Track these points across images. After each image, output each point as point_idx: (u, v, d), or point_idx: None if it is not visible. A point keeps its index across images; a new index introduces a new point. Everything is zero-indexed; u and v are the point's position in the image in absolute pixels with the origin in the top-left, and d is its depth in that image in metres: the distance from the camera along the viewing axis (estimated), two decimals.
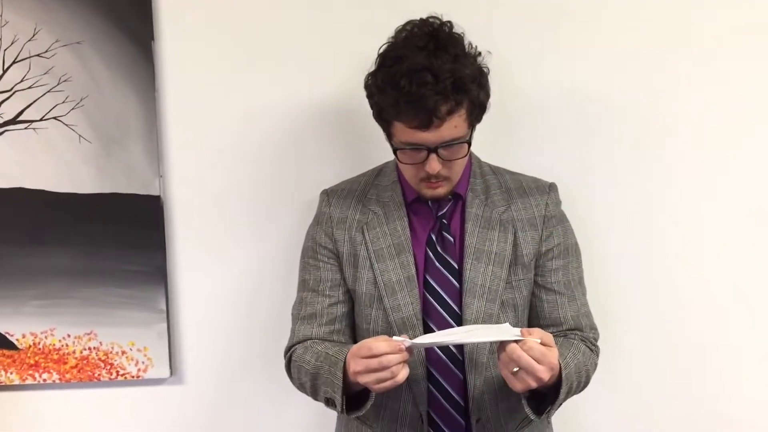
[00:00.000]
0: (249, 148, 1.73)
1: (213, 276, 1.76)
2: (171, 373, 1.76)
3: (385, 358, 1.21)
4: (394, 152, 1.35)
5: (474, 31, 1.36)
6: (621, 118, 1.69)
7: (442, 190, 1.37)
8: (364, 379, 1.23)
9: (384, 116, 1.33)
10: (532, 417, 1.29)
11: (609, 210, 1.71)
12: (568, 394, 1.30)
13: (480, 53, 1.34)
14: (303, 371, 1.39)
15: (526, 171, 1.52)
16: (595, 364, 1.42)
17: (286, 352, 1.47)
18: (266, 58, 1.70)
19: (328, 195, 1.51)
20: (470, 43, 1.33)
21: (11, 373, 1.74)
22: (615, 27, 1.68)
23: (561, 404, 1.30)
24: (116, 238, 1.72)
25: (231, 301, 1.77)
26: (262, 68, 1.70)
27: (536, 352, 1.20)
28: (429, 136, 1.28)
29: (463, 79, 1.26)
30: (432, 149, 1.30)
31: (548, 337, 1.24)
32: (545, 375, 1.20)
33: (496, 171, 1.49)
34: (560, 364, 1.25)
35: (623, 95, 1.69)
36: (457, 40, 1.31)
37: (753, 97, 1.69)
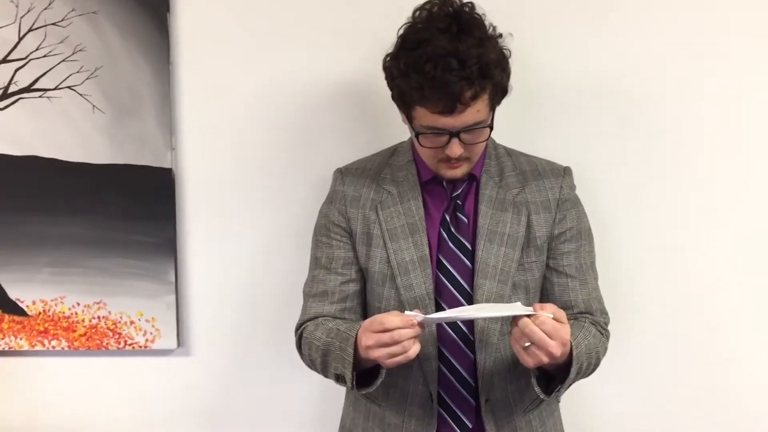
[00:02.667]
0: (263, 123, 1.73)
1: (223, 250, 1.77)
2: (178, 345, 1.77)
3: (396, 332, 1.22)
4: (415, 136, 1.35)
5: (493, 13, 1.35)
6: (639, 104, 1.69)
7: (461, 170, 1.37)
8: (375, 354, 1.24)
9: (406, 100, 1.32)
10: (542, 396, 1.31)
11: (623, 196, 1.71)
12: (578, 375, 1.32)
13: (501, 35, 1.33)
14: (314, 347, 1.40)
15: (541, 154, 1.52)
16: (605, 348, 1.43)
17: (296, 329, 1.49)
18: (282, 34, 1.69)
19: (342, 173, 1.51)
20: (491, 25, 1.33)
21: (21, 339, 1.75)
22: (637, 10, 1.66)
23: (570, 385, 1.31)
24: (128, 209, 1.73)
25: (240, 276, 1.77)
26: (278, 44, 1.70)
27: (548, 327, 1.21)
28: (452, 121, 1.29)
29: (488, 64, 1.26)
30: (454, 133, 1.30)
31: (561, 313, 1.24)
32: (557, 350, 1.21)
33: (512, 153, 1.49)
34: (571, 344, 1.26)
35: (642, 81, 1.68)
36: (479, 22, 1.31)
37: None
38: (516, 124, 1.64)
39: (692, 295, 1.75)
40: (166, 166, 1.72)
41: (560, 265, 1.44)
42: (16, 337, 1.75)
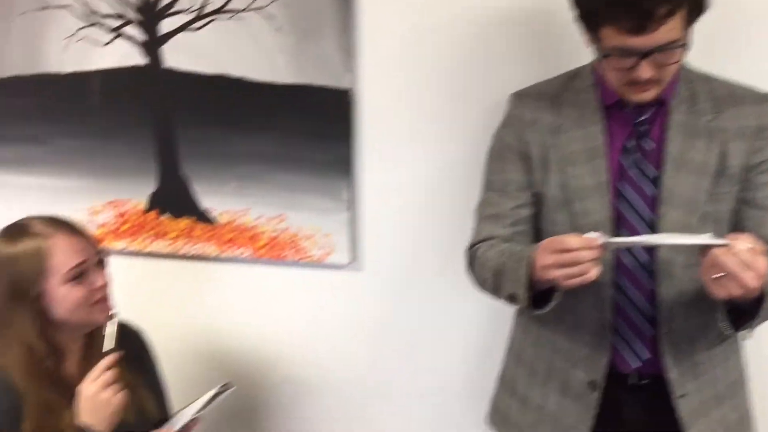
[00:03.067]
0: (438, 48, 1.72)
1: (396, 171, 1.80)
2: (351, 260, 1.85)
3: (577, 253, 1.20)
4: (600, 58, 1.29)
5: None
6: None
7: (650, 94, 1.30)
8: (553, 274, 1.23)
9: (592, 19, 1.26)
10: (727, 330, 1.25)
11: None
12: None
13: None
14: (486, 267, 1.41)
15: (742, 81, 1.40)
16: None
17: (468, 250, 1.50)
18: None
19: (519, 97, 1.49)
20: None
21: (211, 245, 1.90)
22: None
23: (762, 321, 1.24)
24: (307, 128, 1.80)
25: (412, 197, 1.81)
26: None
27: (745, 257, 1.15)
28: (642, 41, 1.21)
29: None
30: (644, 54, 1.23)
31: (759, 244, 1.17)
32: (753, 282, 1.15)
33: (706, 78, 1.39)
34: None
35: None
36: None
37: None
38: (714, 47, 1.53)
39: None
40: (345, 86, 1.77)
41: (756, 197, 1.34)
42: (206, 243, 1.90)
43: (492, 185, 1.49)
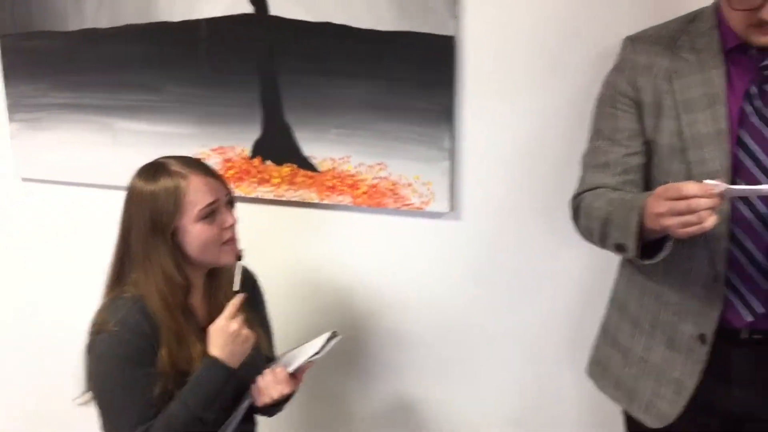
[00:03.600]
0: None
1: (499, 120, 1.78)
2: (451, 209, 1.85)
3: (694, 201, 1.16)
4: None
5: None
6: None
7: None
8: (667, 222, 1.19)
9: None
10: None
11: None
12: None
13: None
14: (593, 217, 1.38)
15: None
16: None
17: (573, 199, 1.48)
18: None
19: (632, 41, 1.44)
20: None
21: (312, 192, 1.94)
22: None
23: None
24: (410, 75, 1.79)
25: (515, 146, 1.79)
26: None
27: None
28: None
29: None
30: None
31: None
32: None
33: None
34: None
35: None
36: None
37: None
38: None
39: None
40: (448, 33, 1.75)
41: None
42: (308, 190, 1.94)
43: (601, 133, 1.46)
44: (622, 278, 1.53)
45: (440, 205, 1.85)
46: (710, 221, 1.17)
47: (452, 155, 1.82)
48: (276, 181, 1.96)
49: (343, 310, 2.02)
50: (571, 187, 1.51)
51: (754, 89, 1.30)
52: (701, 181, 1.20)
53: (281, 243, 2.02)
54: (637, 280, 1.47)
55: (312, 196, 1.94)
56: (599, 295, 1.62)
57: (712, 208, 1.16)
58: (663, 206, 1.19)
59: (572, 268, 1.81)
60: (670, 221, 1.19)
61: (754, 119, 1.29)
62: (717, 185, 1.16)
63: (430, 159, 1.83)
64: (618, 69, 1.45)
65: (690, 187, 1.17)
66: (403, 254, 1.95)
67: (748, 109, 1.30)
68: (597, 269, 1.75)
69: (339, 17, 1.81)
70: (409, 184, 1.86)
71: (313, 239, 2.00)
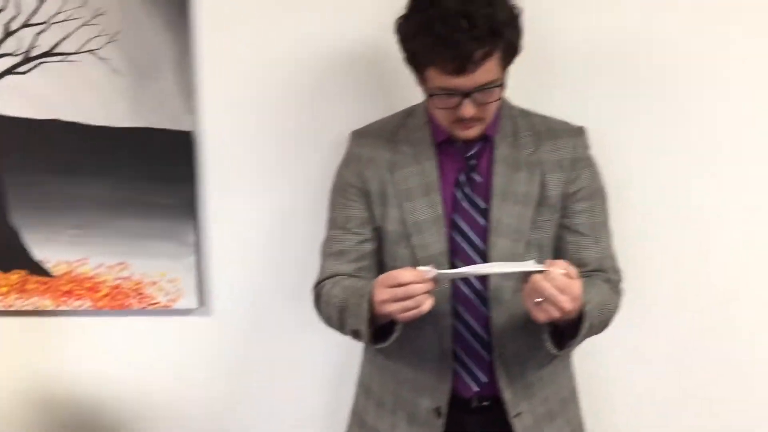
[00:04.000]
0: (280, 86, 1.75)
1: (242, 211, 1.80)
2: (200, 304, 1.81)
3: (410, 287, 1.24)
4: (427, 97, 1.36)
5: None
6: (654, 64, 1.69)
7: (474, 131, 1.38)
8: (389, 308, 1.26)
9: (417, 61, 1.33)
10: (552, 351, 1.33)
11: (639, 156, 1.72)
12: (590, 331, 1.33)
13: None
14: (331, 305, 1.43)
15: (556, 115, 1.52)
16: (617, 306, 1.45)
17: (314, 288, 1.52)
18: None
19: (358, 135, 1.53)
20: None
21: (45, 299, 1.80)
22: None
23: (582, 340, 1.33)
24: (148, 172, 1.76)
25: (259, 237, 1.81)
26: (296, 6, 1.71)
27: (560, 282, 1.22)
28: (463, 82, 1.29)
29: (499, 23, 1.26)
30: (466, 94, 1.31)
31: (572, 269, 1.26)
32: (568, 305, 1.23)
33: (526, 114, 1.50)
34: (583, 300, 1.28)
35: (658, 39, 1.68)
36: None
37: None
38: (530, 85, 1.64)
39: (709, 256, 1.76)
40: (186, 128, 1.75)
41: (574, 223, 1.45)
42: (41, 297, 1.80)
43: (335, 222, 1.52)
44: (366, 360, 1.59)
45: (189, 301, 1.81)
46: (427, 304, 1.25)
47: (198, 249, 1.79)
48: (4, 290, 1.80)
49: (91, 425, 1.86)
50: (315, 274, 1.54)
51: (462, 177, 1.44)
52: (416, 268, 1.28)
53: (13, 357, 1.83)
54: (378, 361, 1.53)
55: (46, 304, 1.80)
56: (351, 378, 1.65)
57: (427, 292, 1.25)
58: (384, 293, 1.26)
59: (324, 353, 1.84)
60: (392, 307, 1.26)
61: (465, 204, 1.43)
62: (429, 271, 1.25)
63: (176, 255, 1.78)
64: (346, 162, 1.53)
65: (405, 274, 1.25)
66: (154, 356, 1.86)
67: (459, 195, 1.43)
68: (347, 353, 1.78)
69: (68, 114, 1.73)
70: (155, 282, 1.80)
71: (52, 350, 1.85)
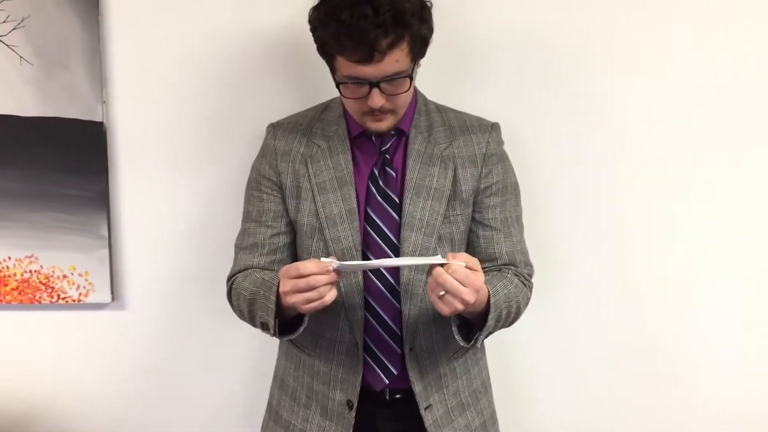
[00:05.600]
0: (196, 76, 1.72)
1: (156, 204, 1.76)
2: (112, 299, 1.77)
3: (312, 278, 1.24)
4: (337, 86, 1.36)
5: None
6: (568, 61, 1.72)
7: (385, 123, 1.39)
8: (292, 300, 1.26)
9: (326, 50, 1.34)
10: (461, 343, 1.35)
11: (552, 153, 1.75)
12: (498, 323, 1.36)
13: None
14: (242, 297, 1.42)
15: (471, 110, 1.55)
16: (528, 298, 1.47)
17: (227, 281, 1.50)
18: None
19: (274, 128, 1.52)
20: None
21: None
22: None
23: (490, 332, 1.36)
24: (59, 163, 1.71)
25: (174, 230, 1.78)
26: None
27: (461, 275, 1.24)
28: (371, 70, 1.30)
29: (403, 12, 1.28)
30: (374, 83, 1.32)
31: (473, 261, 1.27)
32: (470, 297, 1.24)
33: (441, 109, 1.51)
34: (489, 291, 1.30)
35: (571, 35, 1.71)
36: None
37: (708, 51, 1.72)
38: (446, 80, 1.67)
39: (617, 250, 1.80)
40: (97, 119, 1.70)
41: (485, 218, 1.47)
42: None
43: (249, 215, 1.51)
44: (281, 354, 1.58)
45: (101, 296, 1.76)
46: (329, 296, 1.25)
47: (111, 243, 1.75)
48: None
49: (0, 420, 1.81)
50: (230, 268, 1.53)
51: (376, 171, 1.44)
52: (319, 259, 1.28)
53: None
54: (293, 354, 1.53)
55: None
56: (269, 372, 1.65)
57: (330, 284, 1.25)
58: (287, 285, 1.26)
59: (241, 347, 1.82)
60: (295, 298, 1.26)
61: (379, 198, 1.43)
62: (331, 262, 1.25)
63: (87, 248, 1.74)
64: (262, 154, 1.52)
65: (307, 265, 1.25)
66: (66, 351, 1.81)
67: (373, 189, 1.44)
68: (265, 346, 1.78)
69: None
70: (65, 276, 1.75)
71: None
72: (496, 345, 1.66)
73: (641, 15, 1.70)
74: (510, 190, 1.50)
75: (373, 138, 1.45)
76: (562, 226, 1.78)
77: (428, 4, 1.35)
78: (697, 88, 1.73)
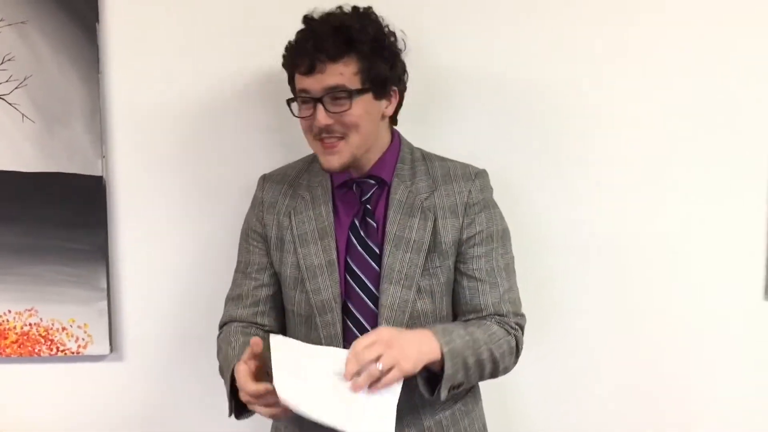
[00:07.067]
0: (192, 130, 1.75)
1: (154, 256, 1.78)
2: (111, 350, 1.79)
3: (255, 406, 1.28)
4: (289, 106, 1.41)
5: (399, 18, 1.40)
6: (551, 103, 1.72)
7: (337, 156, 1.37)
8: (250, 407, 1.30)
9: (287, 67, 1.41)
10: (427, 396, 1.32)
11: (543, 196, 1.74)
12: (468, 372, 1.32)
13: (394, 34, 1.41)
14: (219, 358, 1.46)
15: (459, 157, 1.53)
16: (512, 347, 1.42)
17: (219, 329, 1.53)
18: (210, 42, 1.72)
19: (264, 180, 1.54)
20: (387, 26, 1.40)
21: None
22: (545, 11, 1.70)
23: (461, 383, 1.32)
24: (59, 217, 1.74)
25: (172, 282, 1.79)
26: (206, 52, 1.72)
27: (362, 356, 1.23)
28: (312, 82, 1.34)
29: (348, 28, 1.33)
30: (317, 99, 1.34)
31: (375, 335, 1.26)
32: (390, 360, 1.23)
33: (427, 157, 1.50)
34: (440, 343, 1.28)
35: (553, 81, 1.72)
36: (365, 12, 1.39)
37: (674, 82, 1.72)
38: (434, 127, 1.67)
39: (613, 294, 1.77)
40: (97, 173, 1.74)
41: (470, 269, 1.44)
42: None
43: (239, 266, 1.53)
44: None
45: (99, 347, 1.78)
46: (278, 412, 1.26)
47: (109, 295, 1.77)
48: None
49: None
50: None
51: (358, 222, 1.43)
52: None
53: None
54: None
55: None
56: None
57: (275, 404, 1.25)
58: (243, 396, 1.29)
59: None
60: (253, 407, 1.30)
61: (360, 249, 1.42)
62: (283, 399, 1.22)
63: (86, 300, 1.76)
64: (252, 206, 1.54)
65: (250, 388, 1.26)
66: (63, 403, 1.82)
67: (354, 240, 1.43)
68: None
69: None
70: (64, 329, 1.77)
71: None
72: (493, 394, 1.62)
73: (626, 61, 1.71)
74: (496, 238, 1.47)
75: (355, 188, 1.44)
76: (556, 272, 1.76)
77: (391, 40, 1.39)
78: (682, 131, 1.73)
